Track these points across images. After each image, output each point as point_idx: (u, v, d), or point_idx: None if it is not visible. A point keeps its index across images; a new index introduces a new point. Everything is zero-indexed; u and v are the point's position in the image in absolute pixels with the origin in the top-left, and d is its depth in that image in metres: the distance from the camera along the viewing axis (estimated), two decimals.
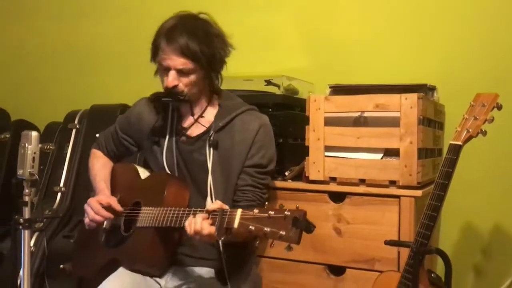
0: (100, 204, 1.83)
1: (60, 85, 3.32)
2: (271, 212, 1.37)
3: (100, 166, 2.04)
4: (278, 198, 2.07)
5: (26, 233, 1.92)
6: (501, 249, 2.30)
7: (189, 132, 1.89)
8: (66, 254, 2.43)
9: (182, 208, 1.65)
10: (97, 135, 2.16)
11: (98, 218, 1.83)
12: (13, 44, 3.49)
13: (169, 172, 1.88)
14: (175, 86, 1.79)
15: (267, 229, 1.36)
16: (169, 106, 1.91)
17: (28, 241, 1.93)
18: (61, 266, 2.46)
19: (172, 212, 1.67)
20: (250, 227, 1.39)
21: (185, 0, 2.75)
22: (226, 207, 1.55)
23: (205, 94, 1.91)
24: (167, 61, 1.77)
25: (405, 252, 1.74)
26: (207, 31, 1.80)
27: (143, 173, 1.99)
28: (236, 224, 1.43)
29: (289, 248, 1.37)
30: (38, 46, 3.39)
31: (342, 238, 1.97)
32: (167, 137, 1.90)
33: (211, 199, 1.80)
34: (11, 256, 2.24)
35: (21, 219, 1.90)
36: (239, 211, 1.45)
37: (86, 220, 1.86)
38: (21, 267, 1.96)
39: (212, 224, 1.52)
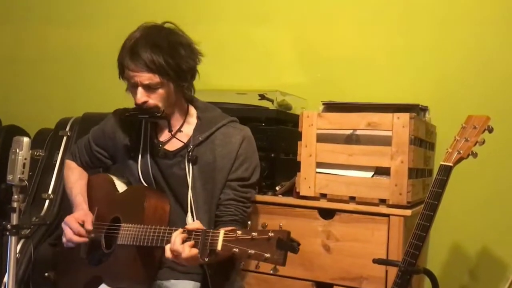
0: (78, 222, 1.81)
1: (53, 91, 3.31)
2: (254, 234, 1.36)
3: (75, 178, 2.02)
4: (268, 213, 2.07)
5: (13, 239, 1.90)
6: (488, 271, 2.31)
7: (167, 146, 1.86)
8: (51, 262, 2.41)
9: (163, 228, 1.63)
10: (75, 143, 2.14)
11: (77, 239, 1.81)
12: (7, 49, 3.48)
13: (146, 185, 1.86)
14: (145, 102, 1.75)
15: (251, 251, 1.35)
16: (143, 121, 1.88)
17: (14, 248, 1.91)
18: (46, 274, 2.43)
19: (153, 230, 1.64)
20: (234, 249, 1.38)
21: (181, 12, 2.79)
22: (203, 228, 1.53)
23: (180, 107, 1.87)
24: (134, 78, 1.73)
25: (393, 271, 1.75)
26: (172, 41, 1.75)
27: (120, 185, 1.97)
28: (219, 246, 1.42)
29: (275, 270, 1.35)
30: (32, 51, 3.39)
31: (330, 255, 1.96)
32: (141, 151, 1.87)
33: (192, 214, 1.79)
34: None
35: (8, 225, 1.88)
36: (222, 232, 1.43)
37: (64, 239, 1.83)
38: (5, 274, 1.94)
39: (194, 246, 1.50)
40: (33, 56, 3.38)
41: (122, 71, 1.79)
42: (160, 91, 1.75)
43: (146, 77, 1.72)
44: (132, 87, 1.77)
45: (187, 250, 1.50)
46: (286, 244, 1.32)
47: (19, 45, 3.44)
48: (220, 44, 2.72)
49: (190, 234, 1.52)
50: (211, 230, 1.49)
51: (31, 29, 3.39)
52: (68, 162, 2.08)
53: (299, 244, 1.35)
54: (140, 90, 1.74)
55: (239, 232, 1.40)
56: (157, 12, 2.92)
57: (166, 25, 1.82)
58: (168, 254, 1.55)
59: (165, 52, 1.71)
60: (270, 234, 1.33)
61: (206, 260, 1.48)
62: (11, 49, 3.47)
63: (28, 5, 3.41)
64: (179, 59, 1.74)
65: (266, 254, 1.33)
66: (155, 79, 1.72)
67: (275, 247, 1.32)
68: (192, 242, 1.51)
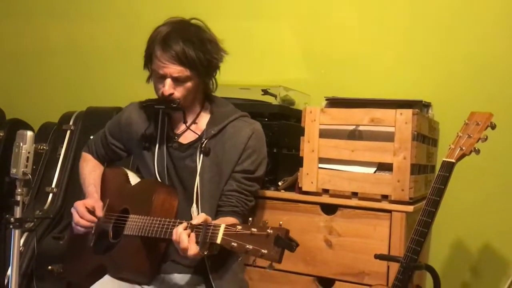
0: (86, 207, 1.83)
1: (57, 85, 3.32)
2: (254, 229, 1.38)
3: (89, 169, 2.04)
4: (271, 208, 2.08)
5: (16, 233, 1.91)
6: (490, 267, 2.31)
7: (180, 139, 1.89)
8: (54, 255, 2.42)
9: (168, 219, 1.65)
10: (91, 137, 2.16)
11: (82, 222, 1.82)
12: (10, 43, 3.49)
13: (159, 178, 1.88)
14: (171, 94, 1.78)
15: (249, 246, 1.37)
16: (160, 112, 1.90)
17: (18, 241, 1.92)
18: (49, 267, 2.45)
19: (158, 222, 1.67)
20: (233, 243, 1.40)
21: (184, 6, 2.79)
22: (210, 219, 1.56)
23: (198, 101, 1.91)
24: (163, 69, 1.75)
25: (394, 267, 1.75)
26: (202, 37, 1.79)
27: (133, 178, 1.99)
28: (219, 240, 1.44)
29: (270, 267, 1.36)
30: (35, 44, 3.39)
31: (332, 250, 1.97)
32: (158, 143, 1.89)
33: (197, 204, 1.80)
34: None
35: (12, 218, 1.89)
36: (223, 226, 1.45)
37: (73, 223, 1.85)
38: (9, 267, 1.95)
39: (196, 239, 1.52)
40: (37, 50, 3.38)
41: (150, 62, 1.81)
42: (188, 84, 1.78)
43: (177, 70, 1.74)
44: (159, 78, 1.79)
45: (192, 246, 1.52)
46: (284, 242, 1.34)
47: (23, 40, 3.44)
48: (224, 39, 2.72)
49: (192, 229, 1.54)
50: (212, 224, 1.51)
51: (35, 23, 3.39)
52: (84, 154, 2.11)
53: (297, 244, 1.36)
54: (168, 81, 1.77)
55: (239, 227, 1.42)
56: (159, 7, 2.93)
57: (193, 21, 1.84)
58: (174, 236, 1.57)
59: (196, 47, 1.74)
60: (269, 231, 1.35)
61: (206, 253, 1.50)
62: (14, 44, 3.47)
63: (31, 0, 3.41)
64: (209, 55, 1.78)
65: (263, 250, 1.34)
66: (186, 72, 1.75)
67: (272, 243, 1.33)
68: (193, 235, 1.52)
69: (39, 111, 3.23)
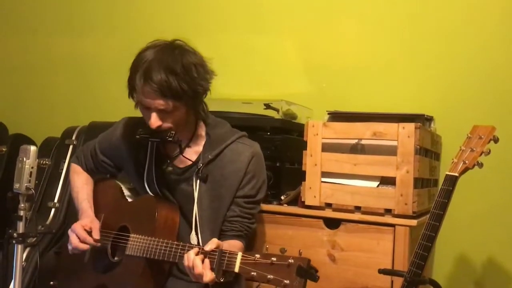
0: (85, 230, 1.80)
1: (60, 100, 3.32)
2: (274, 259, 1.36)
3: (82, 182, 2.01)
4: (273, 222, 2.07)
5: (19, 248, 1.90)
6: (494, 281, 2.30)
7: (176, 162, 1.86)
8: (56, 271, 2.41)
9: (176, 242, 1.64)
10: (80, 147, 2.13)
11: (83, 246, 1.79)
12: (13, 58, 3.50)
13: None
14: (159, 126, 1.72)
15: (270, 276, 1.35)
16: None
17: (20, 256, 1.91)
18: (51, 282, 2.44)
19: (165, 245, 1.65)
20: (252, 273, 1.38)
21: (186, 21, 2.81)
22: (222, 245, 1.53)
23: (190, 125, 1.86)
24: (147, 103, 1.70)
25: (398, 282, 1.73)
26: (186, 63, 1.70)
27: (127, 193, 1.98)
28: (237, 269, 1.42)
29: None
30: (38, 59, 3.40)
31: (336, 265, 1.96)
32: (151, 165, 1.86)
33: (196, 231, 1.79)
34: (1, 270, 2.22)
35: (14, 233, 1.88)
36: (240, 254, 1.43)
37: (70, 247, 1.82)
38: (11, 282, 1.94)
39: (210, 266, 1.50)
40: (40, 65, 3.40)
41: (133, 92, 1.74)
42: (175, 114, 1.72)
43: (160, 103, 1.68)
44: (144, 109, 1.74)
45: (209, 274, 1.49)
46: (306, 272, 1.32)
47: (26, 55, 3.46)
48: (226, 53, 2.74)
49: (205, 255, 1.52)
50: (228, 251, 1.48)
51: (38, 39, 3.40)
52: (74, 166, 2.07)
53: (316, 271, 1.35)
54: (154, 115, 1.71)
55: (257, 255, 1.39)
56: (161, 23, 2.94)
57: (176, 43, 1.77)
58: (187, 264, 1.54)
59: (179, 77, 1.66)
60: (290, 260, 1.34)
61: (222, 280, 1.48)
62: (17, 59, 3.49)
63: (34, 16, 3.43)
64: (193, 83, 1.70)
65: (285, 281, 1.32)
66: (170, 104, 1.68)
67: (294, 274, 1.32)
68: (208, 262, 1.50)
69: (41, 126, 3.23)
